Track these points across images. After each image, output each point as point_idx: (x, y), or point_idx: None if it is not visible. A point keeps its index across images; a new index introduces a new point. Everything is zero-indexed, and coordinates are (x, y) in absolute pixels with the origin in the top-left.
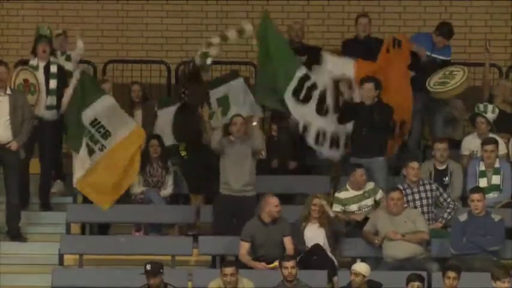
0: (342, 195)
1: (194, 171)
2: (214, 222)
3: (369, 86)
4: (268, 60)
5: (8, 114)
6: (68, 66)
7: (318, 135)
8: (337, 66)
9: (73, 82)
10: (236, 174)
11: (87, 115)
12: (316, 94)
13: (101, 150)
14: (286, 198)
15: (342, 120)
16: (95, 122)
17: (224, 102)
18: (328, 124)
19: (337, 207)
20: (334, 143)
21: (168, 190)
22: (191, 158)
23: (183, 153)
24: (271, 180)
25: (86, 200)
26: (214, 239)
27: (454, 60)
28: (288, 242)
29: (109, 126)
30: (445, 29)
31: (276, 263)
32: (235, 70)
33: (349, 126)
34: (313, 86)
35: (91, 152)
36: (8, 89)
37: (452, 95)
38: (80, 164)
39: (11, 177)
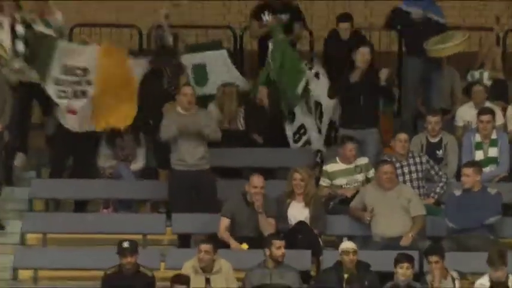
0: (329, 168)
1: (159, 143)
2: (171, 200)
3: (365, 50)
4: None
5: None
6: (49, 32)
7: (299, 129)
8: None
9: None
10: (191, 149)
11: (56, 70)
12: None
13: (90, 84)
14: (267, 173)
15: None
16: (65, 68)
17: (200, 71)
18: (310, 121)
19: (324, 181)
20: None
21: (139, 164)
22: (156, 129)
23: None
24: (251, 153)
25: (51, 175)
26: (189, 216)
27: (448, 25)
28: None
29: (80, 63)
30: None
31: (245, 245)
32: (219, 41)
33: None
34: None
35: (84, 94)
36: None
37: (449, 54)
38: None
39: None
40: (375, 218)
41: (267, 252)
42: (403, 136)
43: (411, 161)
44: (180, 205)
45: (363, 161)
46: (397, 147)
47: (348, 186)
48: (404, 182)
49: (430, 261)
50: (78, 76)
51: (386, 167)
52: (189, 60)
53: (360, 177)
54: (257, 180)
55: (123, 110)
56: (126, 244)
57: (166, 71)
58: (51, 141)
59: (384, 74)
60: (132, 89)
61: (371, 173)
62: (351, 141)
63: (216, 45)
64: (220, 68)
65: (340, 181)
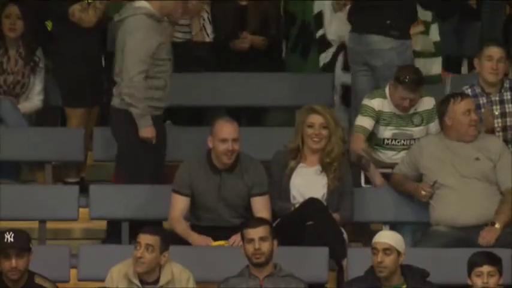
0: (376, 103)
1: (65, 63)
2: (140, 165)
3: None
4: None
5: None
6: None
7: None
8: None
9: None
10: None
11: None
12: None
13: None
14: (252, 115)
15: None
16: None
17: None
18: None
19: (364, 120)
20: None
21: (34, 101)
22: (60, 39)
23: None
24: (224, 81)
25: None
26: (121, 190)
27: None
28: (259, 204)
29: None
30: None
31: (223, 242)
32: None
33: None
34: None
35: None
36: None
37: None
38: None
39: None
40: (438, 193)
41: (242, 250)
42: (494, 51)
43: (508, 95)
44: (149, 172)
45: (427, 104)
46: (484, 69)
47: (394, 143)
48: (495, 131)
49: None
50: None
51: (464, 102)
52: None
53: (417, 131)
54: (227, 128)
55: None
56: (9, 237)
57: None
58: None
59: None
60: None
61: (434, 126)
62: (409, 89)
63: None
64: None
65: (383, 132)
